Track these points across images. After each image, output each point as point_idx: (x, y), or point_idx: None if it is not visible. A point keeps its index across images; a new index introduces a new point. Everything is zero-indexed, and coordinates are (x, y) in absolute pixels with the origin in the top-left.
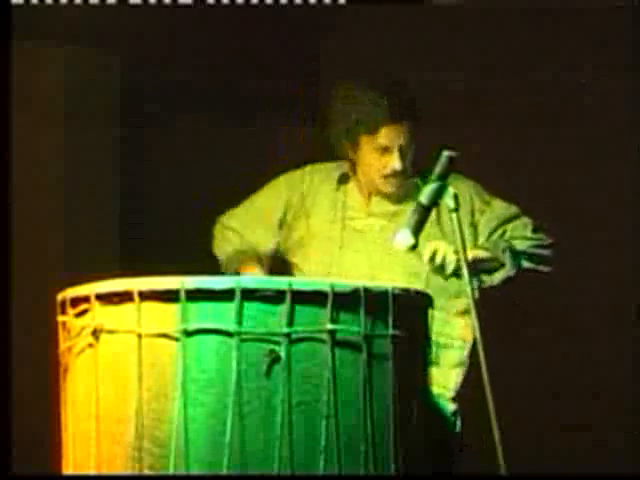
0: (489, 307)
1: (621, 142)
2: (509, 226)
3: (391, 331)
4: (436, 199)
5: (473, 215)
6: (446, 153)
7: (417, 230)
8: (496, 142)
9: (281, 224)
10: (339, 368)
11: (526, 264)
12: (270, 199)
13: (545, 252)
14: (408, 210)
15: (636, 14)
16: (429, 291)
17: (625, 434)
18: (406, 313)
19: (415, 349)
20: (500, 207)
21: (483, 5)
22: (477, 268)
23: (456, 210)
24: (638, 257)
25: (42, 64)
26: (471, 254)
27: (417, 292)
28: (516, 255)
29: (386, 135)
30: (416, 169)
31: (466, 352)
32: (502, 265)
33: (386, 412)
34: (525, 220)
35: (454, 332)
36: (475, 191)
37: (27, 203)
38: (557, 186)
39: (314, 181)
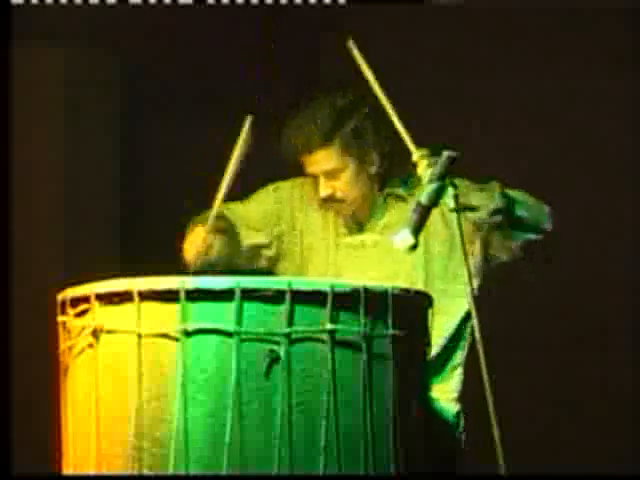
0: (489, 307)
1: (621, 142)
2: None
3: (391, 331)
4: (436, 199)
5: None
6: (446, 153)
7: (417, 230)
8: (496, 142)
9: (266, 235)
10: (339, 368)
11: (520, 212)
12: (256, 209)
13: (547, 209)
14: (399, 222)
15: (636, 14)
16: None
17: (625, 434)
18: (406, 313)
19: (415, 349)
20: (496, 188)
21: (483, 5)
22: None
23: (456, 210)
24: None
25: (42, 64)
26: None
27: (417, 292)
28: (511, 200)
29: (306, 164)
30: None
31: (465, 353)
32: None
33: (386, 412)
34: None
35: (455, 336)
36: (466, 184)
37: (27, 203)
38: (557, 186)
39: (304, 196)
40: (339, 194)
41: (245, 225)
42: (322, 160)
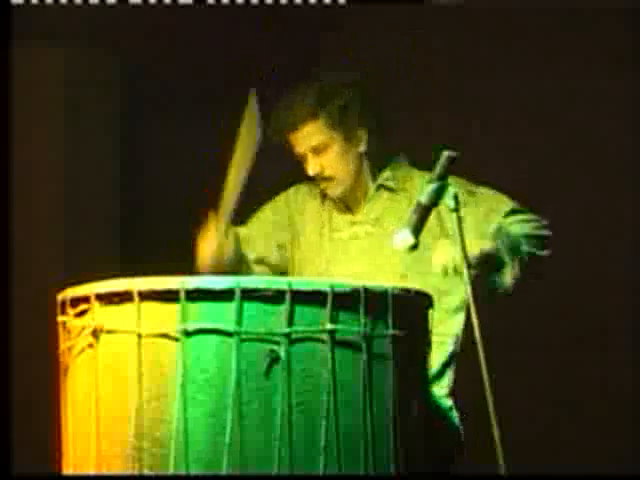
0: (489, 307)
1: (621, 142)
2: (500, 212)
3: (391, 331)
4: (436, 199)
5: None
6: (446, 153)
7: (417, 230)
8: (496, 142)
9: (267, 255)
10: (339, 368)
11: (526, 248)
12: (257, 229)
13: (545, 232)
14: (390, 214)
15: (636, 14)
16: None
17: (625, 434)
18: (406, 313)
19: (415, 349)
20: (486, 196)
21: (483, 5)
22: (487, 263)
23: (456, 210)
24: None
25: (42, 64)
26: (478, 249)
27: (417, 292)
28: (516, 244)
29: (293, 141)
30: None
31: (457, 347)
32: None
33: (386, 412)
34: (514, 204)
35: (447, 329)
36: (458, 184)
37: (27, 203)
38: (557, 186)
39: (298, 201)
40: (327, 171)
41: (249, 247)
42: (308, 135)
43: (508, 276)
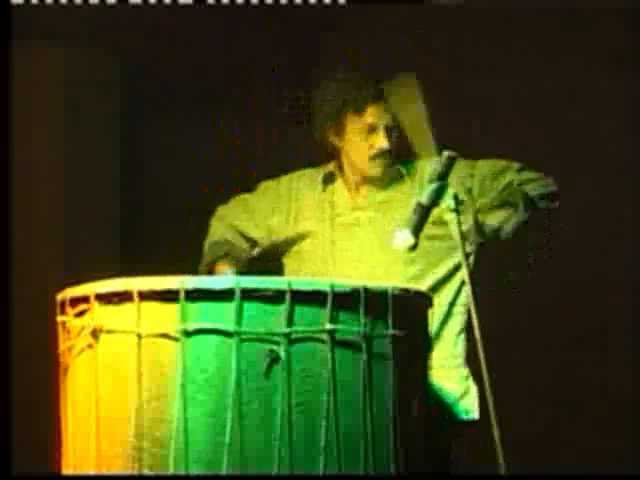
0: (489, 307)
1: (621, 142)
2: (511, 169)
3: (391, 331)
4: (436, 199)
5: (464, 182)
6: (446, 153)
7: (417, 230)
8: (496, 142)
9: (270, 229)
10: (339, 368)
11: (543, 205)
12: (261, 201)
13: (554, 188)
14: (395, 199)
15: (636, 14)
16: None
17: (625, 434)
18: (406, 313)
19: (415, 349)
20: (487, 164)
21: (483, 5)
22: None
23: (456, 210)
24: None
25: (42, 64)
26: (492, 221)
27: (417, 292)
28: (530, 201)
29: (372, 114)
30: (396, 152)
31: (466, 316)
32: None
33: (386, 412)
34: (517, 165)
35: (456, 299)
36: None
37: (27, 203)
38: (557, 186)
39: (300, 187)
40: (393, 148)
41: (251, 216)
42: (391, 111)
43: (510, 228)
